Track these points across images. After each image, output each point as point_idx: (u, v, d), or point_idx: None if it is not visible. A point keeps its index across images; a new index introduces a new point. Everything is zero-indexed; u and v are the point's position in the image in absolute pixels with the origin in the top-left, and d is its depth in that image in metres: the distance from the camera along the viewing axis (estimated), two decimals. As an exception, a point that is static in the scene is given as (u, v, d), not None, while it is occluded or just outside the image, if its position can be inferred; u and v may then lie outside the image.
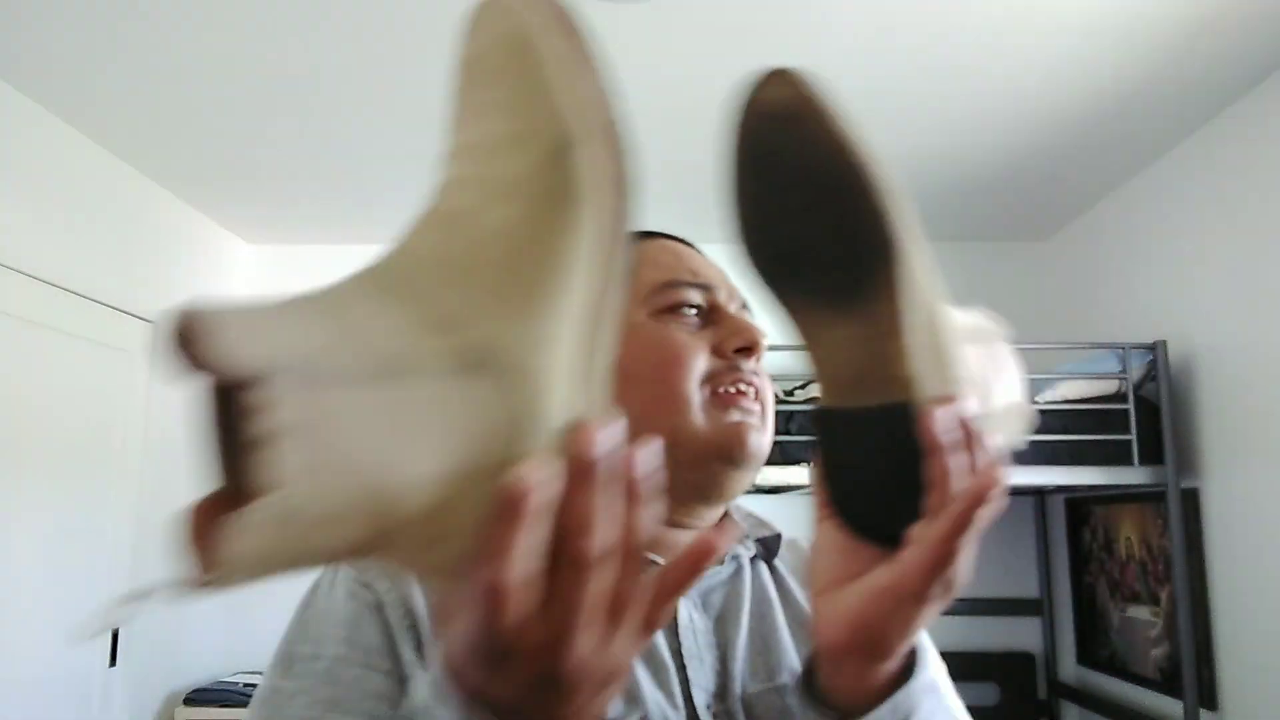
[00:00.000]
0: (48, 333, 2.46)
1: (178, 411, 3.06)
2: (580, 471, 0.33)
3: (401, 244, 0.35)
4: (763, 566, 0.72)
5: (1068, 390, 2.61)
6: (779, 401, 2.78)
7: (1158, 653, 2.63)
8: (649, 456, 0.35)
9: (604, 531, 0.34)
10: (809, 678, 0.54)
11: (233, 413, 0.30)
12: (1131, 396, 2.50)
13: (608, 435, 0.34)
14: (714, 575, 0.68)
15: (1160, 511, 2.61)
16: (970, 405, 0.48)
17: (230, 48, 2.11)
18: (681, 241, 0.75)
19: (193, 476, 3.16)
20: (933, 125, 2.49)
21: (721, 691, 0.62)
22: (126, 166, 2.79)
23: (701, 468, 0.66)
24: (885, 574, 0.47)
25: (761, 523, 0.75)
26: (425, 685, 0.39)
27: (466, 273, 0.33)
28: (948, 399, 0.48)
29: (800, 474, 2.61)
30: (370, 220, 3.29)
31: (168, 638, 2.96)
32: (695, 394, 0.65)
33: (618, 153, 0.35)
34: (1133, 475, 2.47)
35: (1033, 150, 2.64)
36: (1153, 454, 2.47)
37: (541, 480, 0.32)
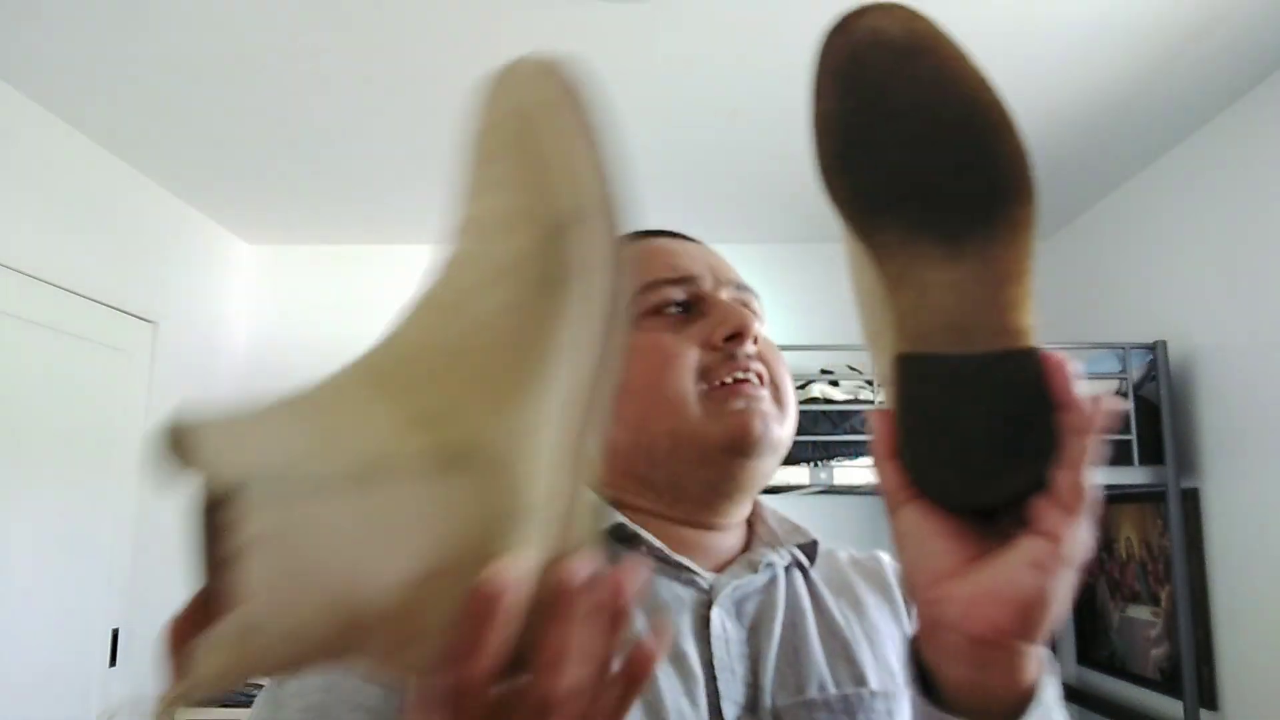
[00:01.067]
0: (48, 333, 2.46)
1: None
2: (557, 604, 0.32)
3: (398, 329, 0.34)
4: (797, 575, 0.69)
5: (1068, 390, 2.60)
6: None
7: (1158, 653, 2.63)
8: (632, 577, 0.34)
9: (576, 669, 0.33)
10: (925, 689, 0.47)
11: (214, 525, 0.30)
12: (1131, 396, 2.50)
13: (587, 567, 0.33)
14: (749, 583, 0.65)
15: (1160, 511, 2.61)
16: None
17: (230, 48, 2.11)
18: (664, 234, 0.73)
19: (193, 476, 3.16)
20: (933, 125, 2.49)
21: (752, 704, 0.59)
22: (126, 166, 2.79)
23: (712, 464, 0.64)
24: (1035, 544, 0.41)
25: (797, 529, 0.72)
26: None
27: (455, 362, 0.32)
28: (1057, 354, 0.43)
29: (800, 474, 2.61)
30: (370, 220, 3.30)
31: (168, 638, 2.96)
32: (690, 391, 0.64)
33: (613, 232, 0.34)
34: (1133, 475, 2.47)
35: (1032, 151, 2.64)
36: (1153, 454, 2.47)
37: (517, 578, 0.31)
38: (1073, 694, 3.03)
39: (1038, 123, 2.47)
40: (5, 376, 2.30)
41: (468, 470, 0.31)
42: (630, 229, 0.35)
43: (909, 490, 0.47)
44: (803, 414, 2.66)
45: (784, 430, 0.66)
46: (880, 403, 0.55)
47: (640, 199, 3.08)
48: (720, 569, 0.66)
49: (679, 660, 0.59)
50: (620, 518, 0.64)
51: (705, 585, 0.63)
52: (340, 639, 0.30)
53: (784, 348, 2.81)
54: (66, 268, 2.52)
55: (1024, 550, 0.42)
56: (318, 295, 3.55)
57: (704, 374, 0.64)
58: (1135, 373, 2.54)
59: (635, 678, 0.36)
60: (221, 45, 2.10)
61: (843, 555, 0.75)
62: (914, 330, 0.46)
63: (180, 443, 0.29)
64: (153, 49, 2.12)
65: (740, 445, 0.63)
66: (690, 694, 0.58)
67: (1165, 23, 1.98)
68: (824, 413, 2.66)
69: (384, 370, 0.33)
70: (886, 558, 0.75)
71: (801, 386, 2.89)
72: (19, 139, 2.35)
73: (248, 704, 2.86)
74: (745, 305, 0.70)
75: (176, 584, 3.01)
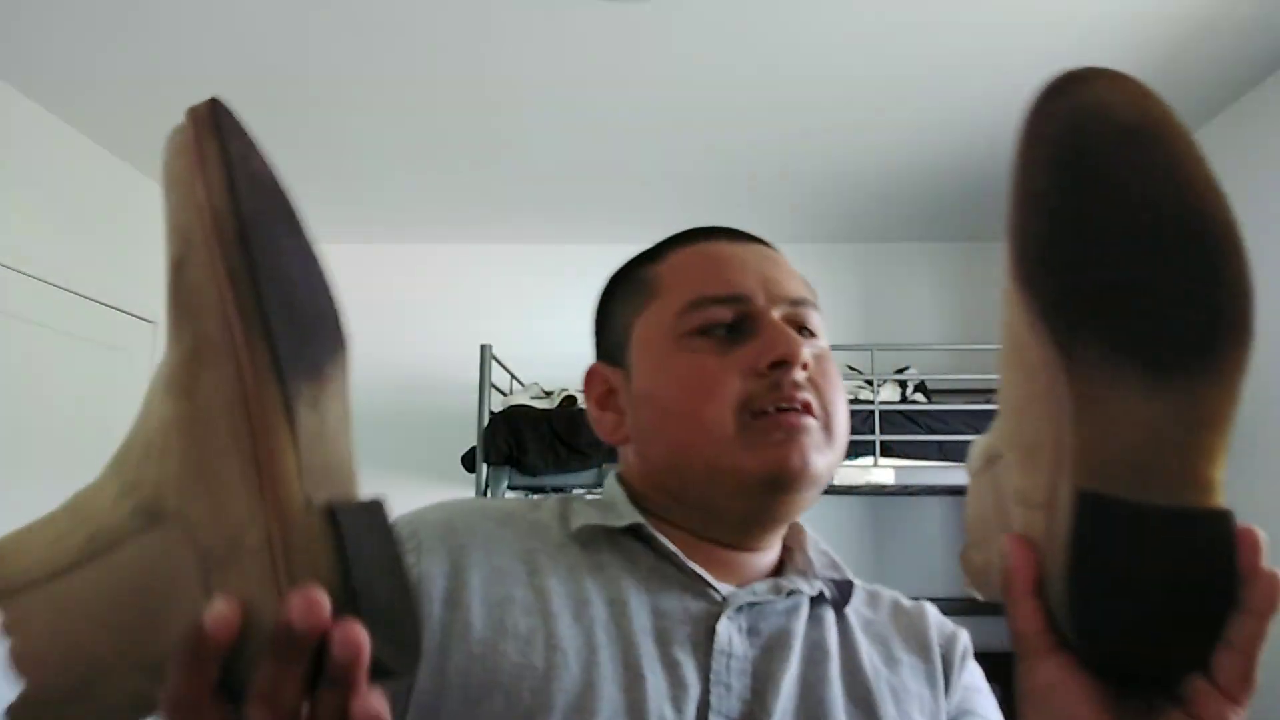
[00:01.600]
0: (48, 333, 2.46)
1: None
2: (276, 641, 0.32)
3: (137, 419, 0.38)
4: (828, 611, 0.66)
5: (1068, 390, 2.61)
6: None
7: (1158, 653, 2.63)
8: (345, 644, 0.33)
9: (287, 704, 0.33)
10: None
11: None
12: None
13: (317, 611, 0.32)
14: (769, 604, 0.63)
15: (1160, 511, 2.61)
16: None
17: (230, 48, 2.11)
18: (724, 233, 0.69)
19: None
20: (933, 124, 2.49)
21: None
22: (126, 166, 2.79)
23: (749, 497, 0.61)
24: None
25: (835, 565, 0.69)
26: None
27: (144, 432, 0.36)
28: (1248, 525, 0.39)
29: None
30: (369, 220, 3.30)
31: (168, 638, 2.96)
32: (729, 422, 0.60)
33: (228, 244, 0.34)
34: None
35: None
36: (1153, 454, 2.47)
37: (228, 620, 0.33)
38: (1073, 694, 3.03)
39: (1038, 123, 2.47)
40: (5, 376, 2.30)
41: (161, 522, 0.34)
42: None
43: (1049, 638, 0.41)
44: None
45: (828, 461, 0.62)
46: (972, 473, 0.49)
47: (638, 199, 3.08)
48: (744, 585, 0.64)
49: (672, 668, 0.58)
50: (639, 518, 0.63)
51: (718, 598, 0.62)
52: (118, 694, 0.35)
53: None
54: (66, 268, 2.52)
55: None
56: (318, 295, 3.55)
57: (746, 403, 0.61)
58: (1135, 373, 2.54)
59: None
60: (223, 45, 2.10)
61: (887, 598, 0.72)
62: (1095, 463, 0.39)
63: None
64: (153, 49, 2.12)
65: (778, 480, 0.60)
66: (676, 702, 0.57)
67: (1166, 22, 1.98)
68: (824, 413, 2.66)
69: (119, 454, 0.38)
70: (933, 613, 0.71)
71: (801, 386, 2.89)
72: (19, 139, 2.35)
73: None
74: (801, 323, 0.66)
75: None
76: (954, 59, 2.14)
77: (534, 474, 2.58)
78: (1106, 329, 0.40)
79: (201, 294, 0.34)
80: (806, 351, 0.62)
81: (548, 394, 2.91)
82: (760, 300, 0.64)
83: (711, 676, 0.58)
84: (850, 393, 2.81)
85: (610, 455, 2.58)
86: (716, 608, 0.61)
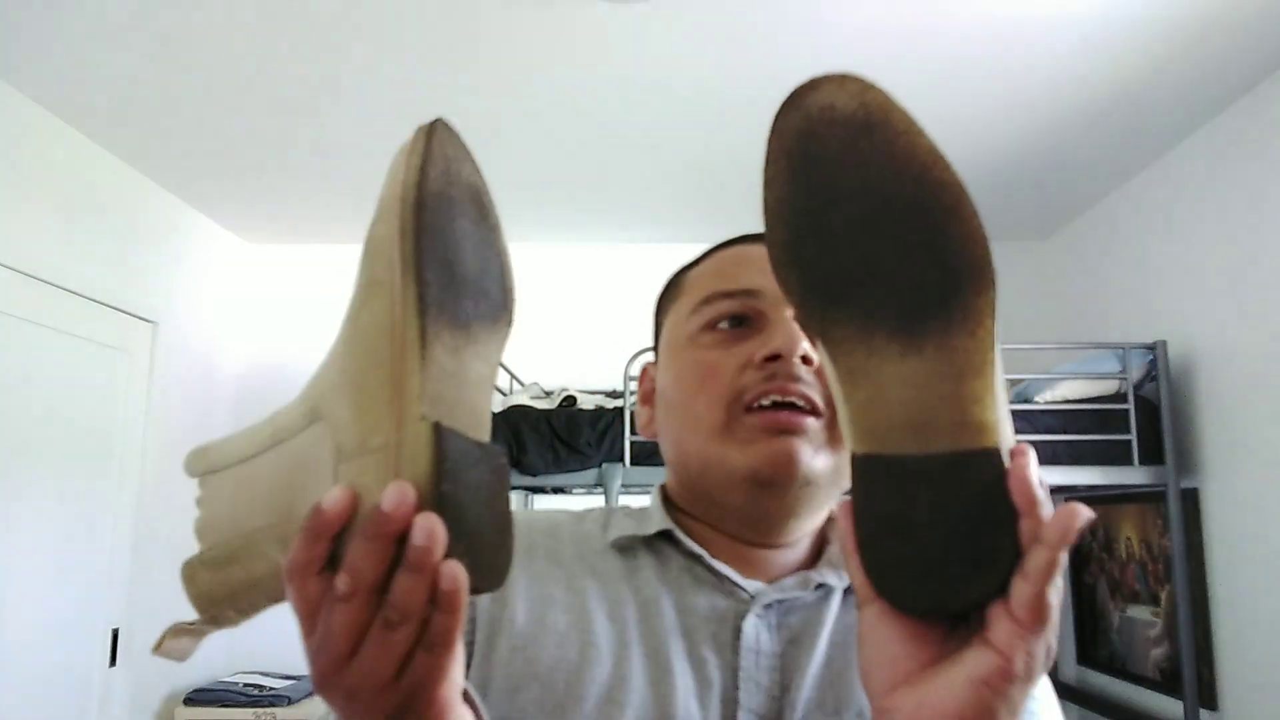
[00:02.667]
0: (48, 333, 2.46)
1: (178, 411, 3.06)
2: (364, 522, 0.38)
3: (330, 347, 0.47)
4: (853, 600, 0.65)
5: (1068, 390, 2.61)
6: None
7: (1158, 653, 2.63)
8: (431, 532, 0.37)
9: (361, 575, 0.38)
10: None
11: None
12: (1131, 396, 2.50)
13: (404, 501, 0.37)
14: (796, 599, 0.63)
15: (1160, 511, 2.61)
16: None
17: (230, 48, 2.11)
18: (757, 239, 0.68)
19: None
20: (932, 125, 2.49)
21: (775, 717, 0.58)
22: (126, 166, 2.79)
23: (738, 492, 0.61)
24: (982, 659, 0.40)
25: None
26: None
27: (327, 356, 0.44)
28: (1021, 448, 0.42)
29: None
30: (370, 221, 3.29)
31: (168, 638, 2.96)
32: (719, 414, 0.61)
33: (408, 208, 0.41)
34: (1133, 475, 2.47)
35: (1033, 150, 2.64)
36: (1153, 454, 2.47)
37: (341, 504, 0.38)
38: (1073, 694, 3.03)
39: (1039, 122, 2.47)
40: (5, 376, 2.30)
41: (316, 421, 0.42)
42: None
43: (872, 589, 0.45)
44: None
45: (829, 462, 0.61)
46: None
47: (638, 199, 3.08)
48: (772, 581, 0.65)
49: (699, 665, 0.59)
50: (668, 524, 0.65)
51: (745, 596, 0.62)
52: (264, 563, 0.43)
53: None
54: (67, 268, 2.52)
55: (970, 665, 0.40)
56: (318, 295, 3.55)
57: (738, 395, 0.61)
58: (1135, 373, 2.54)
59: (438, 627, 0.39)
60: (222, 46, 2.10)
61: None
62: (875, 425, 0.44)
63: (192, 460, 0.46)
64: (153, 50, 2.12)
65: (763, 479, 0.60)
66: (702, 698, 0.58)
67: (1166, 22, 1.98)
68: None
69: (313, 376, 0.45)
70: None
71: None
72: (20, 139, 2.35)
73: (247, 704, 2.86)
74: None
75: (176, 584, 3.01)
76: (954, 59, 2.14)
77: (534, 474, 2.58)
78: (854, 306, 0.45)
79: (379, 243, 0.41)
80: (805, 345, 0.60)
81: (547, 394, 2.91)
82: (770, 294, 0.63)
83: (740, 673, 0.59)
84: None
85: (610, 455, 2.58)
86: (743, 606, 0.62)
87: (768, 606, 0.62)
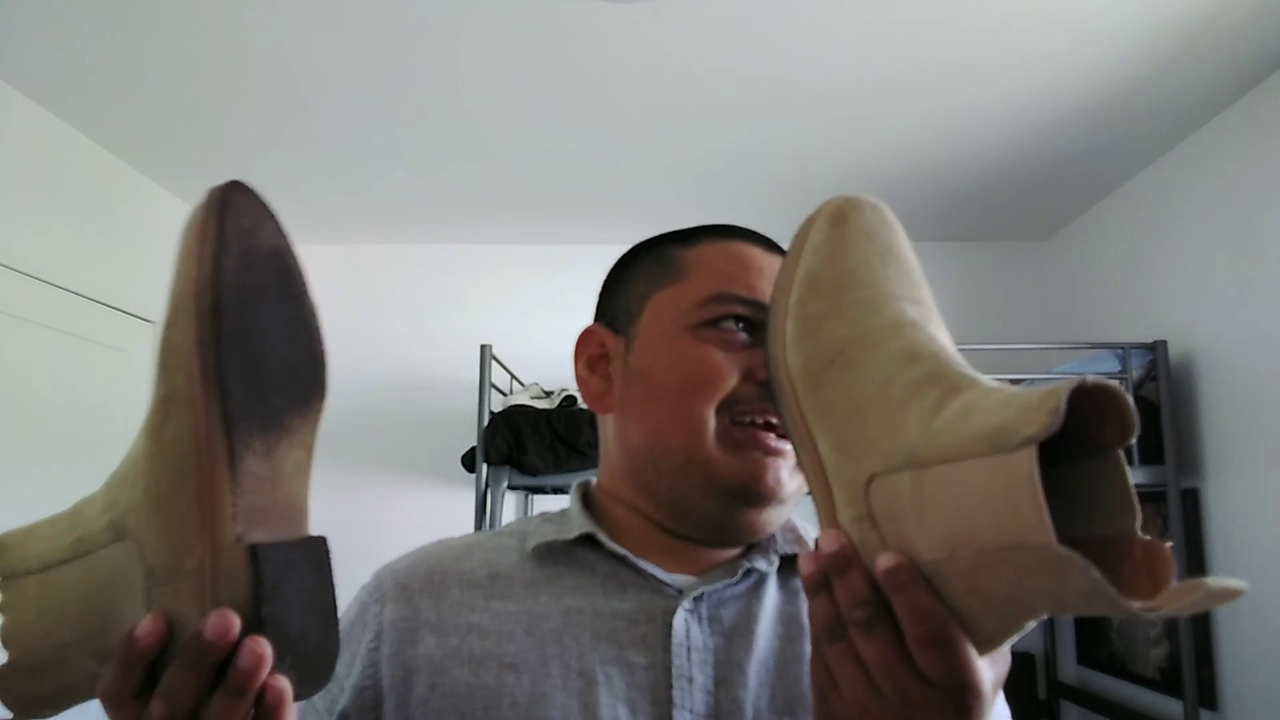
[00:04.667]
0: (48, 333, 2.46)
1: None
2: (183, 649, 0.38)
3: (130, 446, 0.46)
4: (797, 584, 0.66)
5: (1068, 390, 2.60)
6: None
7: (1158, 653, 2.63)
8: (258, 655, 0.38)
9: (181, 705, 0.38)
10: None
11: None
12: (1131, 396, 2.50)
13: (225, 628, 0.38)
14: (724, 589, 0.63)
15: (1160, 511, 2.61)
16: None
17: (230, 47, 2.11)
18: (762, 242, 0.68)
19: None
20: (933, 125, 2.49)
21: (714, 713, 0.57)
22: (126, 166, 2.79)
23: (716, 499, 0.61)
24: None
25: (800, 538, 0.69)
26: None
27: (127, 461, 0.43)
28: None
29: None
30: (370, 220, 3.30)
31: (168, 638, 2.96)
32: (711, 418, 0.61)
33: (206, 313, 0.39)
34: (1133, 475, 2.43)
35: (1033, 150, 2.64)
36: (1153, 454, 2.47)
37: (154, 632, 0.39)
38: (1073, 694, 3.03)
39: (1039, 122, 2.47)
40: (5, 376, 2.30)
41: (123, 538, 0.41)
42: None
43: None
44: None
45: (798, 486, 0.62)
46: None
47: (637, 199, 3.07)
48: (696, 573, 0.64)
49: (628, 670, 0.58)
50: (590, 527, 0.64)
51: (673, 591, 0.62)
52: (78, 673, 0.43)
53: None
54: (66, 268, 2.52)
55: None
56: (317, 295, 3.54)
57: (731, 404, 0.61)
58: (1135, 373, 2.54)
59: None
60: (222, 45, 2.10)
61: None
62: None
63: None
64: (153, 49, 2.12)
65: (748, 492, 0.60)
66: (632, 703, 0.57)
67: (1165, 23, 1.98)
68: (824, 413, 2.66)
69: (115, 472, 0.44)
70: None
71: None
72: (19, 139, 2.35)
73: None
74: None
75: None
76: (954, 59, 2.14)
77: (534, 473, 2.58)
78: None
79: (176, 354, 0.40)
80: None
81: (548, 394, 2.91)
82: None
83: (672, 670, 0.58)
84: (850, 393, 2.81)
85: (610, 455, 2.58)
86: (672, 602, 0.61)
87: (697, 599, 0.61)
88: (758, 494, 0.60)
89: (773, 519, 0.63)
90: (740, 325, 0.63)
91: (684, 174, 2.86)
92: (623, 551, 0.63)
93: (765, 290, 0.63)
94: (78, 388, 2.58)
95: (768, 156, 2.71)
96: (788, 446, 0.60)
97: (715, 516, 0.62)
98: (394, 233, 3.41)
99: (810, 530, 0.70)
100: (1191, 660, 2.36)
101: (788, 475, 0.61)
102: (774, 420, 0.60)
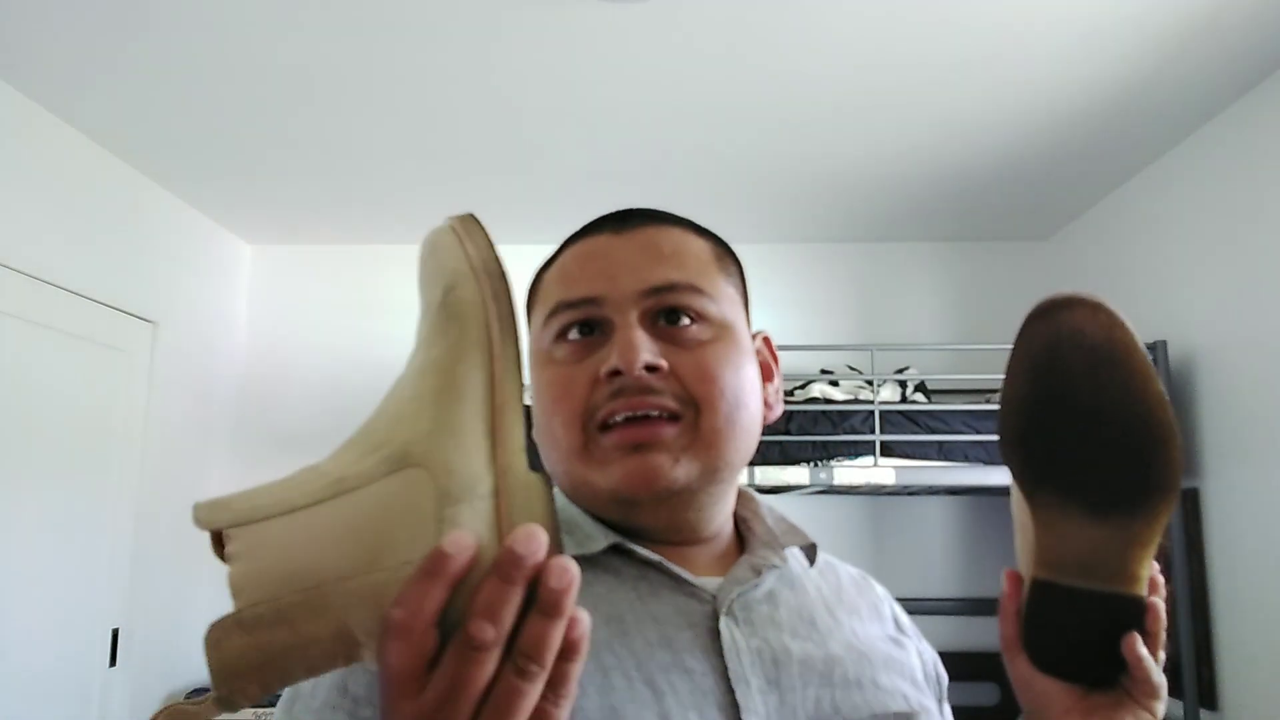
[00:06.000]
0: (48, 333, 2.46)
1: (178, 412, 3.06)
2: (501, 564, 0.35)
3: (376, 411, 0.45)
4: (799, 574, 0.67)
5: (1068, 390, 2.61)
6: (779, 401, 2.78)
7: (1158, 653, 2.63)
8: (568, 575, 0.36)
9: (502, 622, 0.35)
10: None
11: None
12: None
13: (538, 543, 0.36)
14: (753, 589, 0.63)
15: (1160, 511, 2.61)
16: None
17: (230, 47, 2.11)
18: (614, 222, 0.65)
19: (192, 476, 3.15)
20: (933, 124, 2.49)
21: (776, 716, 0.57)
22: (126, 166, 2.79)
23: (612, 511, 0.60)
24: (1140, 710, 0.60)
25: (794, 529, 0.69)
26: None
27: (392, 410, 0.43)
28: (1158, 593, 0.60)
29: (800, 474, 2.61)
30: (370, 220, 3.30)
31: (168, 638, 2.96)
32: (577, 435, 0.59)
33: (490, 275, 0.43)
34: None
35: (1033, 150, 2.64)
36: (1153, 454, 2.47)
37: (466, 547, 0.36)
38: (1073, 694, 3.02)
39: (1039, 122, 2.47)
40: (5, 376, 2.30)
41: (407, 467, 0.40)
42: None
43: (1019, 644, 0.63)
44: (803, 414, 2.66)
45: (701, 464, 0.60)
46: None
47: (637, 199, 3.07)
48: (720, 573, 0.64)
49: (687, 675, 0.57)
50: (616, 537, 0.62)
51: (707, 596, 0.61)
52: (329, 626, 0.38)
53: (784, 348, 2.80)
54: (67, 268, 2.52)
55: (1130, 711, 0.60)
56: (318, 295, 3.54)
57: (590, 414, 0.59)
58: (1135, 373, 2.54)
59: (565, 666, 0.37)
60: (222, 45, 2.10)
61: (843, 572, 0.73)
62: (1049, 562, 0.61)
63: (208, 511, 0.40)
64: (153, 49, 2.12)
65: (629, 497, 0.59)
66: (700, 708, 0.55)
67: (1165, 23, 1.98)
68: (824, 413, 2.66)
69: (348, 440, 0.43)
70: (881, 588, 0.74)
71: (801, 386, 2.89)
72: (20, 139, 2.35)
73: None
74: (672, 308, 0.62)
75: (176, 584, 3.01)
76: (954, 59, 2.14)
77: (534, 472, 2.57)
78: (1060, 483, 0.60)
79: (467, 307, 0.42)
80: (647, 355, 0.58)
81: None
82: (612, 300, 0.61)
83: (731, 676, 0.57)
84: (850, 393, 2.81)
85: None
86: (708, 606, 0.61)
87: (733, 603, 0.61)
88: (638, 496, 0.58)
89: (687, 508, 0.62)
90: (581, 331, 0.61)
91: (683, 173, 2.86)
92: (656, 558, 0.61)
93: (590, 283, 0.62)
94: (78, 388, 2.58)
95: (768, 156, 2.71)
96: (663, 431, 0.59)
97: (622, 522, 0.61)
98: (394, 233, 3.41)
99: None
100: (1191, 660, 2.36)
101: (669, 464, 0.58)
102: (637, 412, 0.58)
